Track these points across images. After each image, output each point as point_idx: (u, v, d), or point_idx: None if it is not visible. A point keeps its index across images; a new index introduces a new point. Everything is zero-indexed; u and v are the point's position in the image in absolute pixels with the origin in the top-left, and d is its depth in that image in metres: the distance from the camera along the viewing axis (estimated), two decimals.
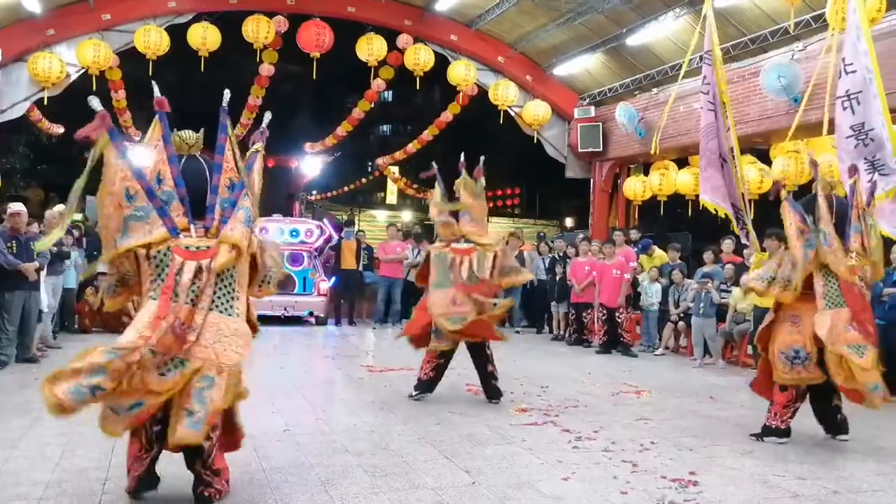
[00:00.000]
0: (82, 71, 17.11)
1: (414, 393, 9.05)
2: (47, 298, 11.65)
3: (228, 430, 5.37)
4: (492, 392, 9.09)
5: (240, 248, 5.07)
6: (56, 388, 4.54)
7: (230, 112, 5.34)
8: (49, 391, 4.54)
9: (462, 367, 9.43)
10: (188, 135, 5.30)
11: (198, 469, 5.11)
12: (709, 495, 5.66)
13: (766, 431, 7.45)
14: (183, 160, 5.22)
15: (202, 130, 5.39)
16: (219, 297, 5.00)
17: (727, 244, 13.86)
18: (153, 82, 5.36)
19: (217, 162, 5.20)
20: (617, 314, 13.94)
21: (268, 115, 5.73)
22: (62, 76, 16.84)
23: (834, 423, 7.57)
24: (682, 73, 13.75)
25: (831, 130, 13.74)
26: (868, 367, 6.91)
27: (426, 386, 9.10)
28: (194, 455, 5.09)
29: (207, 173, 5.22)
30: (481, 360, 9.15)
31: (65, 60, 16.85)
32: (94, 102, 5.08)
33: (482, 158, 9.49)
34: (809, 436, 7.57)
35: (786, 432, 7.41)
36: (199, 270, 4.94)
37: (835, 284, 7.13)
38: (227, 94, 5.34)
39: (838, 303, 7.08)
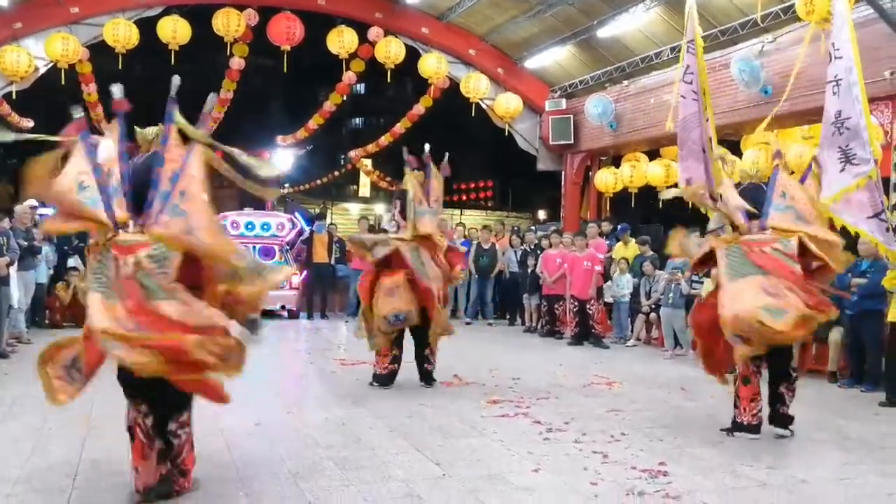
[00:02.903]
0: (51, 64, 16.95)
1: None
2: (17, 293, 11.57)
3: None
4: (424, 377, 9.51)
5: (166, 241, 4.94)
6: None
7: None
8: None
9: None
10: (149, 131, 5.30)
11: (168, 469, 5.15)
12: (678, 485, 5.70)
13: (737, 427, 7.41)
14: (144, 157, 5.25)
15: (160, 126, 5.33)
16: (159, 287, 4.87)
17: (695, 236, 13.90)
18: (112, 87, 5.31)
19: (160, 153, 5.13)
20: (588, 306, 13.98)
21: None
22: (30, 70, 16.66)
23: (775, 413, 7.48)
24: (680, 61, 13.68)
25: (803, 121, 13.89)
26: (786, 329, 6.75)
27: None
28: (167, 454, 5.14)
29: None
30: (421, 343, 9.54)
31: (33, 54, 16.67)
32: (116, 90, 5.23)
33: (447, 155, 9.59)
34: None
35: (757, 428, 7.36)
36: (122, 264, 4.88)
37: (737, 255, 7.23)
38: (175, 80, 5.29)
39: (742, 272, 7.12)
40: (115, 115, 5.24)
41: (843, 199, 8.42)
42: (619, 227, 16.34)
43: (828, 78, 8.74)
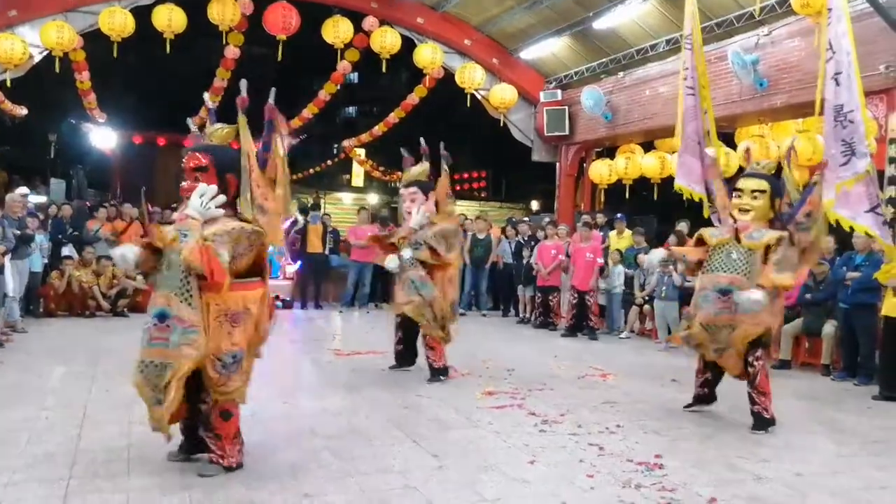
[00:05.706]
0: (46, 52, 16.86)
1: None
2: (12, 283, 11.54)
3: None
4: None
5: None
6: None
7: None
8: None
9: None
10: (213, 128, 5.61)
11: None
12: (674, 478, 5.73)
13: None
14: None
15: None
16: None
17: (682, 226, 13.96)
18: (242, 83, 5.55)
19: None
20: (587, 297, 13.99)
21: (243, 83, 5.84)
22: (25, 57, 16.54)
23: (752, 414, 7.48)
24: (681, 53, 13.77)
25: (798, 115, 13.92)
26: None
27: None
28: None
29: None
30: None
31: (28, 41, 16.53)
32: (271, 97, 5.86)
33: (441, 144, 9.63)
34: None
35: (698, 399, 8.09)
36: None
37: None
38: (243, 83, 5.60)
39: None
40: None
41: (842, 193, 8.43)
42: (617, 215, 16.32)
43: (828, 74, 8.75)
